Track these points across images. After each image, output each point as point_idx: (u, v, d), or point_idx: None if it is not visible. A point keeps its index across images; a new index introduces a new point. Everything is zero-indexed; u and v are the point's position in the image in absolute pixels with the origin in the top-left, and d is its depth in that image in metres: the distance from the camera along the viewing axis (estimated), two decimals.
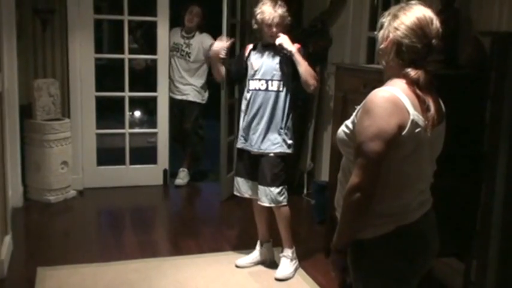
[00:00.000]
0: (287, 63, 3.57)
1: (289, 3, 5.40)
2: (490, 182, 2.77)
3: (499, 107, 2.71)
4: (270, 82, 3.61)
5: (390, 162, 1.80)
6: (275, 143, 3.60)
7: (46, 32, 5.12)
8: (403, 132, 1.77)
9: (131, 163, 5.69)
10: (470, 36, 3.31)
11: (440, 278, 3.47)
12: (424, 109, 1.82)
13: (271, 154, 3.60)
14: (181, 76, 5.65)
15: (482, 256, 2.86)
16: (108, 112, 6.83)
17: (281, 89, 3.60)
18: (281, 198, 3.63)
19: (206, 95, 5.75)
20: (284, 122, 3.61)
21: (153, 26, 5.66)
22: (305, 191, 5.48)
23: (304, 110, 5.40)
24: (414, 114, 1.79)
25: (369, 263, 1.91)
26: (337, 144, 2.00)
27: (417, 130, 1.79)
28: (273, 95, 3.60)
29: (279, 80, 3.60)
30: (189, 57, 5.59)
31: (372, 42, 4.76)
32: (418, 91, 1.82)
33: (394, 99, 1.78)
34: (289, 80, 3.61)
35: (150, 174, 5.72)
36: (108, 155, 6.04)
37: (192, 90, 5.64)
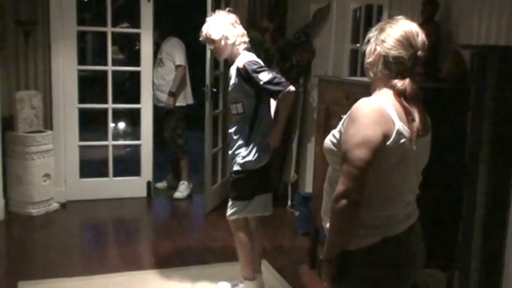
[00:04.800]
0: (243, 81, 3.26)
1: (273, 15, 5.51)
2: (471, 193, 2.80)
3: (479, 119, 2.75)
4: (230, 105, 3.44)
5: (377, 173, 1.81)
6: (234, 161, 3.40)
7: (29, 44, 5.09)
8: (388, 142, 1.79)
9: (114, 175, 5.66)
10: (450, 49, 3.36)
11: None
12: (409, 120, 1.84)
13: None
14: (159, 84, 5.71)
15: (464, 267, 2.88)
16: (92, 124, 6.79)
17: (240, 111, 3.34)
18: (229, 212, 3.41)
19: (186, 99, 5.77)
20: (244, 140, 3.34)
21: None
22: (289, 203, 5.48)
23: (288, 121, 5.41)
24: (399, 124, 1.82)
25: (355, 274, 1.91)
26: (322, 155, 2.01)
27: (402, 140, 1.82)
28: (235, 118, 3.41)
29: (236, 102, 3.35)
30: (162, 62, 5.69)
31: (355, 54, 4.81)
32: (404, 102, 1.85)
33: (380, 108, 1.81)
34: (249, 100, 3.31)
35: (133, 187, 5.69)
36: (91, 167, 6.00)
37: (168, 96, 5.67)
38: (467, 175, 2.83)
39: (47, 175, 5.09)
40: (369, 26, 4.69)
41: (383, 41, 1.87)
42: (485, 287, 2.87)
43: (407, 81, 1.86)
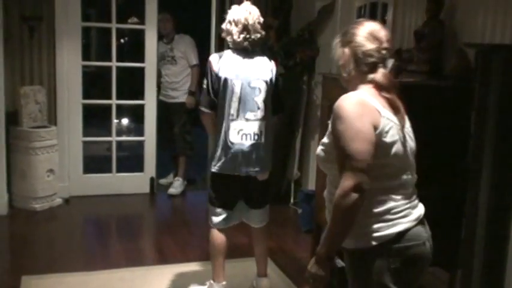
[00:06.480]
0: None
1: (278, 12, 5.51)
2: (474, 192, 2.80)
3: (483, 118, 2.74)
4: None
5: (377, 166, 1.85)
6: None
7: (33, 39, 5.10)
8: (377, 131, 1.85)
9: (118, 171, 5.67)
10: (455, 48, 3.35)
11: None
12: (394, 109, 1.93)
13: None
14: (171, 81, 5.73)
15: (467, 266, 2.88)
16: (95, 120, 6.81)
17: None
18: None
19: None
20: None
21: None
22: (292, 200, 5.49)
23: (291, 119, 5.42)
24: (385, 112, 1.89)
25: (368, 271, 1.93)
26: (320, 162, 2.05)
27: (390, 125, 1.89)
28: None
29: None
30: (175, 60, 5.69)
31: None
32: (384, 93, 1.94)
33: (362, 101, 1.89)
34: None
35: (136, 183, 5.70)
36: (95, 162, 6.02)
37: (182, 94, 5.69)
38: (470, 174, 2.82)
39: (51, 170, 5.11)
40: None
41: (349, 42, 1.97)
42: (488, 286, 2.86)
43: (380, 72, 1.95)
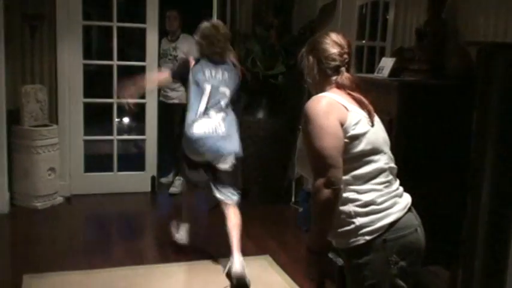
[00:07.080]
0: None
1: (279, 11, 5.51)
2: (476, 191, 2.80)
3: (485, 117, 2.74)
4: None
5: (353, 159, 1.93)
6: None
7: (34, 38, 5.10)
8: (344, 126, 1.93)
9: (119, 170, 5.67)
10: (457, 46, 3.35)
11: (426, 287, 3.48)
12: (361, 105, 2.02)
13: None
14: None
15: (468, 265, 2.87)
16: (97, 118, 6.80)
17: None
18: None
19: None
20: None
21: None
22: (293, 199, 5.49)
23: (292, 118, 5.41)
24: (352, 107, 1.97)
25: (367, 267, 1.95)
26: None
27: (359, 119, 1.96)
28: None
29: None
30: (176, 60, 5.66)
31: (360, 51, 4.80)
32: (350, 92, 2.03)
33: (328, 100, 1.97)
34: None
35: (138, 181, 5.71)
36: (96, 161, 6.02)
37: (181, 94, 5.68)
38: (472, 173, 2.82)
39: (52, 169, 5.11)
40: (374, 22, 4.69)
41: (314, 49, 2.09)
42: (489, 285, 2.86)
43: (343, 75, 2.05)
